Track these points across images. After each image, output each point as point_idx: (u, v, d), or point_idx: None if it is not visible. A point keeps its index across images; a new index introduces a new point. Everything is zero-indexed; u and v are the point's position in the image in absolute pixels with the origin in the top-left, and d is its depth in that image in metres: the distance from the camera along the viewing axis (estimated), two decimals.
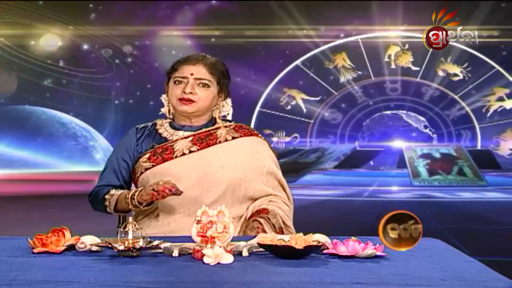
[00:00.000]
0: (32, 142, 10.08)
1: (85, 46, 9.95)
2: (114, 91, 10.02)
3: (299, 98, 9.88)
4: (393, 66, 9.70)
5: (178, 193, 2.31)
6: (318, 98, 9.83)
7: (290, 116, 9.88)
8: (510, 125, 9.47)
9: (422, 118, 9.92)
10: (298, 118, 9.84)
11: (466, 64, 9.56)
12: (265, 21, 9.67)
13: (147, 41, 9.83)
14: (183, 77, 2.57)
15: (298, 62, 9.81)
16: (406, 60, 9.66)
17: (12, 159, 9.92)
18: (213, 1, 9.70)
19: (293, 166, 9.64)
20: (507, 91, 9.46)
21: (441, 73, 9.67)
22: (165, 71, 2.65)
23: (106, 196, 2.53)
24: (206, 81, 2.57)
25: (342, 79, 9.84)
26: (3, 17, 9.83)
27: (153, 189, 2.33)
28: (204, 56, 2.62)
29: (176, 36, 9.77)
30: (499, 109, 9.53)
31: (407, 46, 9.63)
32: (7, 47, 9.95)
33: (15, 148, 9.99)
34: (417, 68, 9.68)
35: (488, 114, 9.52)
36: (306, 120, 9.88)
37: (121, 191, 2.53)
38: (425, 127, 9.89)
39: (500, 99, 9.53)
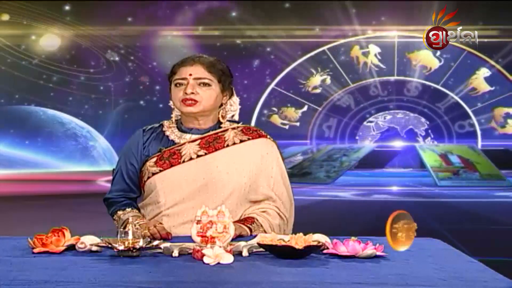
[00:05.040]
0: (32, 142, 10.08)
1: (85, 46, 9.95)
2: (114, 91, 10.02)
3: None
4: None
5: (167, 238, 2.35)
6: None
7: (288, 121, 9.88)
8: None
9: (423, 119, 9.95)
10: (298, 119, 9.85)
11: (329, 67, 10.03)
12: (265, 21, 9.67)
13: (147, 41, 9.83)
14: (183, 79, 2.55)
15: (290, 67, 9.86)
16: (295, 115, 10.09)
17: (12, 159, 9.92)
18: (213, 1, 9.70)
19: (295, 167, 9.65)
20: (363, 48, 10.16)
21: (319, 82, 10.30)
22: (166, 76, 2.64)
23: (115, 217, 2.61)
24: (206, 80, 2.55)
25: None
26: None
27: (148, 228, 2.36)
28: (201, 56, 2.60)
29: (176, 36, 9.77)
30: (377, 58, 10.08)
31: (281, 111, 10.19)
32: (7, 47, 9.95)
33: (15, 148, 9.99)
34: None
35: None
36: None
37: (127, 214, 2.56)
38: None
39: (365, 54, 10.32)
